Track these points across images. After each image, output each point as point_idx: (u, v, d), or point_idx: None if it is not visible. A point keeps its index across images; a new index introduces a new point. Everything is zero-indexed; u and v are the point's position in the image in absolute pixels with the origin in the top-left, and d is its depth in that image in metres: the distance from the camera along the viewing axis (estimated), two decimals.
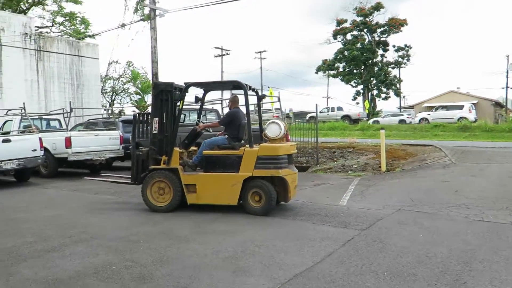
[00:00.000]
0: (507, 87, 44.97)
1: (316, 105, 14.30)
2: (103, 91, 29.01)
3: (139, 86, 26.13)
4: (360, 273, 4.11)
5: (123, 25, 25.21)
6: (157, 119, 7.22)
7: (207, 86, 8.10)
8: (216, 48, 49.35)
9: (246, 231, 5.68)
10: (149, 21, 18.84)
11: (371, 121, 32.03)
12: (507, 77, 44.95)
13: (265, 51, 53.70)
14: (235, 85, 7.84)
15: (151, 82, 19.33)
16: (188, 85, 7.34)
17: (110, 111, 19.39)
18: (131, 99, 27.20)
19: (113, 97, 29.47)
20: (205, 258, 4.50)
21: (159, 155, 7.15)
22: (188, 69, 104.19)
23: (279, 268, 4.21)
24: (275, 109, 33.28)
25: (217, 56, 49.77)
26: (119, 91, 29.95)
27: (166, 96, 7.16)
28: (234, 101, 7.90)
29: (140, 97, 26.09)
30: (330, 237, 5.35)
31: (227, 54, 49.77)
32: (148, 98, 24.32)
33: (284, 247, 4.91)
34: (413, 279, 4.00)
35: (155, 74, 18.42)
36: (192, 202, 7.03)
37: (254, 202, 6.77)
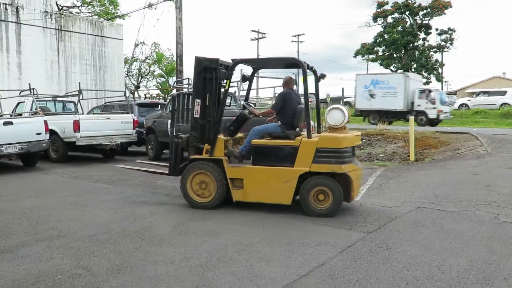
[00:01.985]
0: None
1: (343, 89, 13.35)
2: (129, 74, 28.63)
3: (163, 68, 25.50)
4: None
5: (150, 5, 24.90)
6: (199, 101, 6.26)
7: (258, 63, 7.28)
8: (252, 31, 48.54)
9: (234, 231, 5.01)
10: (174, 0, 18.38)
11: None
12: None
13: (303, 34, 52.01)
14: (290, 62, 6.84)
15: (175, 64, 18.78)
16: (236, 62, 6.31)
17: (129, 94, 18.75)
18: (157, 82, 26.66)
19: (139, 79, 29.07)
20: (170, 267, 3.88)
21: (201, 143, 6.27)
22: (220, 52, 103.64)
23: (251, 283, 3.54)
24: (310, 93, 32.48)
25: (253, 40, 48.88)
26: (145, 74, 29.51)
27: (210, 74, 6.20)
28: (288, 82, 6.64)
29: (164, 79, 25.46)
30: (328, 241, 4.61)
31: (263, 37, 48.77)
32: (172, 81, 23.72)
33: (269, 254, 4.22)
34: None
35: (179, 56, 17.95)
36: (238, 199, 6.10)
37: (317, 202, 5.75)
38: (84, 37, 21.29)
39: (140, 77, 29.15)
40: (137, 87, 27.37)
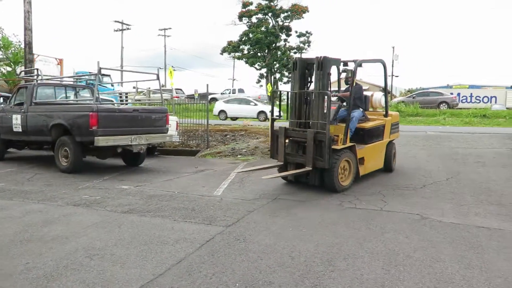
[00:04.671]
0: (392, 75, 48.72)
1: (207, 85, 13.48)
2: None
3: (10, 56, 22.61)
4: (207, 287, 3.42)
5: None
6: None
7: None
8: (116, 21, 46.24)
9: (86, 235, 4.70)
10: None
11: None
12: (392, 66, 48.93)
13: (170, 28, 51.26)
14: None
15: (23, 52, 16.96)
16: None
17: None
18: (1, 72, 23.52)
19: None
20: (7, 281, 3.47)
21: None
22: (79, 42, 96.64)
23: None
24: (175, 89, 32.03)
25: (117, 31, 46.68)
26: None
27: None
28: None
29: (10, 69, 22.60)
30: (187, 238, 4.61)
31: (128, 29, 46.92)
32: (19, 70, 21.43)
33: (125, 256, 4.06)
34: None
35: (28, 44, 16.22)
36: (362, 174, 7.55)
37: (391, 162, 8.56)
38: None
39: None
40: None
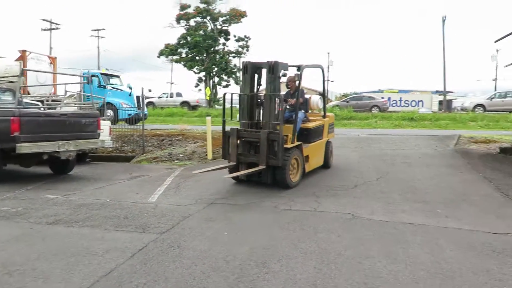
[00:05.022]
0: (328, 80, 50.64)
1: (142, 88, 13.18)
2: None
3: None
4: None
5: None
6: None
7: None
8: (44, 20, 43.86)
9: (4, 250, 4.36)
10: None
11: None
12: (328, 71, 50.64)
13: (103, 29, 49.44)
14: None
15: None
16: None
17: None
18: None
19: None
20: None
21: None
22: (4, 40, 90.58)
23: None
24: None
25: (44, 30, 44.30)
26: None
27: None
28: (293, 80, 8.33)
29: None
30: (118, 247, 4.44)
31: (57, 28, 44.68)
32: None
33: (48, 270, 3.82)
34: None
35: None
36: (307, 170, 8.12)
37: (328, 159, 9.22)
38: None
39: None
40: None
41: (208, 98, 38.53)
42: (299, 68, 7.97)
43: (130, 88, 19.66)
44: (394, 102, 37.86)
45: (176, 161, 11.40)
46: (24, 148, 7.66)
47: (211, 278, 3.68)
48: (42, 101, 13.10)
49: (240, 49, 44.35)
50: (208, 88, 40.88)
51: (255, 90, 7.86)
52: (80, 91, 14.77)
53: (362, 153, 10.84)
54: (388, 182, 7.92)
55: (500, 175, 8.35)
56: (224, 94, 8.58)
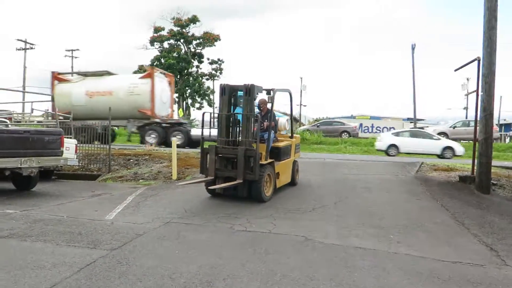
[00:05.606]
0: (301, 104, 51.53)
1: (110, 108, 13.17)
2: None
3: None
4: None
5: None
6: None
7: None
8: (18, 40, 43.37)
9: None
10: None
11: None
12: (301, 95, 51.95)
13: (78, 50, 49.21)
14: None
15: None
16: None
17: None
18: None
19: None
20: None
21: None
22: None
23: None
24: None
25: (19, 50, 43.77)
26: None
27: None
28: (266, 102, 9.05)
29: None
30: (67, 262, 4.49)
31: (31, 48, 44.20)
32: None
33: None
34: None
35: None
36: (278, 186, 8.75)
37: (294, 177, 9.84)
38: None
39: None
40: None
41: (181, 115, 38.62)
42: (271, 91, 8.61)
43: None
44: (366, 128, 38.38)
45: (141, 180, 11.42)
46: None
47: None
48: (10, 118, 12.99)
49: (213, 72, 44.91)
50: (181, 109, 40.95)
51: (232, 110, 8.44)
52: (47, 110, 14.65)
53: (325, 178, 11.09)
54: (345, 206, 8.13)
55: (457, 203, 8.58)
56: (203, 114, 8.98)
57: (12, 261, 4.44)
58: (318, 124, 32.80)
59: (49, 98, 9.84)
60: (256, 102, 8.76)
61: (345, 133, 30.95)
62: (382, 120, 45.19)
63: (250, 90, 8.06)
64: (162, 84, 20.01)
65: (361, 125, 37.28)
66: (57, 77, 19.91)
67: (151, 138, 19.54)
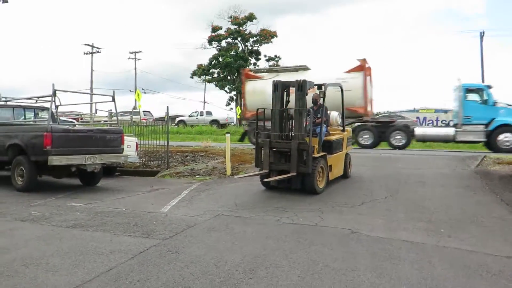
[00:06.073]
0: None
1: (167, 107, 13.85)
2: None
3: None
4: None
5: None
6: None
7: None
8: (86, 44, 46.37)
9: (27, 246, 4.97)
10: None
11: None
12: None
13: (140, 51, 51.65)
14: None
15: None
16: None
17: None
18: None
19: None
20: None
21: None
22: (49, 65, 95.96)
23: None
24: (144, 111, 32.20)
25: (87, 54, 46.76)
26: None
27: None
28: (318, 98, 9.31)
29: None
30: (122, 249, 4.90)
31: (98, 52, 47.05)
32: None
33: (59, 265, 4.33)
34: None
35: None
36: (331, 179, 9.02)
37: (347, 170, 10.13)
38: None
39: None
40: None
41: (239, 117, 39.27)
42: (322, 86, 8.78)
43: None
44: (430, 121, 36.77)
45: (197, 176, 11.90)
46: (55, 160, 8.38)
47: (198, 279, 4.05)
48: (77, 119, 13.96)
49: None
50: (238, 107, 41.63)
51: (285, 106, 8.74)
52: (110, 110, 15.40)
53: (378, 172, 10.97)
54: (396, 201, 8.03)
55: None
56: (257, 110, 9.24)
57: (75, 248, 4.93)
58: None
59: (110, 98, 10.44)
60: (310, 96, 8.99)
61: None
62: (448, 113, 43.08)
63: (302, 86, 8.37)
64: (370, 77, 17.97)
65: (424, 118, 35.78)
66: (247, 74, 19.52)
67: (364, 139, 18.59)
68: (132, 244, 5.10)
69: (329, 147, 9.21)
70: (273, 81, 8.77)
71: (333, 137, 9.53)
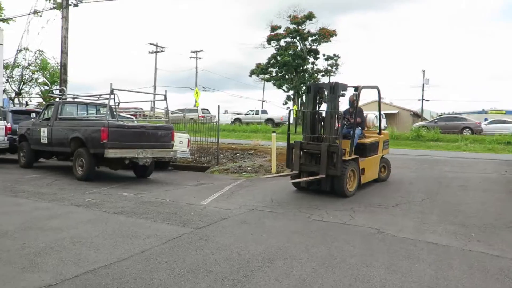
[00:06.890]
0: (423, 99, 48.43)
1: (218, 106, 14.46)
2: (9, 79, 27.30)
3: (48, 76, 24.89)
4: (156, 270, 4.25)
5: (35, 12, 24.13)
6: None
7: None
8: (150, 44, 48.64)
9: (77, 228, 5.70)
10: (61, 10, 18.26)
11: None
12: (423, 90, 48.54)
13: (202, 51, 53.31)
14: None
15: (59, 73, 18.67)
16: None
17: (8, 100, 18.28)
18: (40, 90, 25.82)
19: (21, 86, 27.89)
20: (4, 254, 4.46)
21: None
22: (116, 64, 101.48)
23: (75, 265, 4.27)
24: (202, 109, 33.38)
25: (151, 53, 49.05)
26: (28, 80, 28.46)
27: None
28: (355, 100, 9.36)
29: (48, 87, 24.71)
30: (158, 235, 5.47)
31: (161, 51, 49.18)
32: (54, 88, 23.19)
33: (101, 244, 4.98)
34: (204, 275, 4.20)
35: (63, 65, 17.90)
36: (363, 182, 9.01)
37: (381, 173, 9.91)
38: None
39: (22, 83, 27.94)
40: (18, 94, 26.13)
41: (295, 115, 39.49)
42: (357, 88, 8.84)
43: None
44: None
45: (244, 173, 12.42)
46: (110, 153, 9.24)
47: (219, 264, 4.50)
48: (136, 116, 15.00)
49: (329, 68, 44.76)
50: (295, 106, 41.83)
51: (317, 108, 8.90)
52: (165, 108, 16.38)
53: (420, 175, 10.90)
54: (432, 204, 8.03)
55: None
56: (289, 111, 9.57)
57: (117, 232, 5.59)
58: (436, 120, 30.93)
59: (162, 97, 11.21)
60: (347, 99, 9.20)
61: (467, 129, 28.69)
62: None
63: (334, 88, 8.47)
64: None
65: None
66: None
67: None
68: (167, 231, 5.67)
69: (363, 150, 9.23)
70: (307, 83, 9.10)
71: (367, 140, 9.54)
